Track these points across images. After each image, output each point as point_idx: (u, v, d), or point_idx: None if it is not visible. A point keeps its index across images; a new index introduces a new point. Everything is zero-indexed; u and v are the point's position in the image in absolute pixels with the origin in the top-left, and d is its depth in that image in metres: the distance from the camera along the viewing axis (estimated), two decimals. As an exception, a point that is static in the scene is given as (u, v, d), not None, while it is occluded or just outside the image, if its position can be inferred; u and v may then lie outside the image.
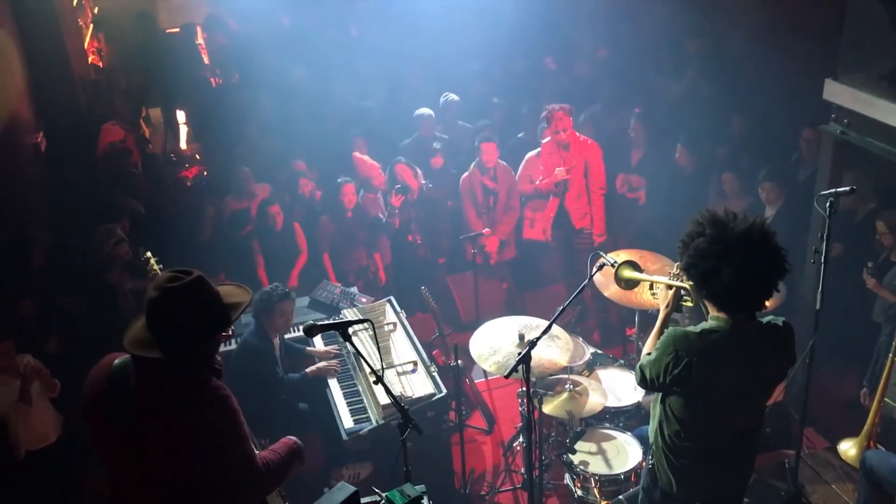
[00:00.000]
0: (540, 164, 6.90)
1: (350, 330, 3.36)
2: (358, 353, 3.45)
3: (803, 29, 6.69)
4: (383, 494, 2.68)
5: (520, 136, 7.95)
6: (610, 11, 9.05)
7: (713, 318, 3.19)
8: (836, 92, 4.93)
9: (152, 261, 4.43)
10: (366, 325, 3.62)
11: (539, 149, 7.09)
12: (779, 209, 6.35)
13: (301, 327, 3.41)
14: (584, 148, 6.81)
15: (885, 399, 4.76)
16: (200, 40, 12.55)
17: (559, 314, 4.04)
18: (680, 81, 8.14)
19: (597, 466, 4.81)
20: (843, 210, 4.94)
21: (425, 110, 7.64)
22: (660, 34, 8.41)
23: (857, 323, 5.85)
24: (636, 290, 4.54)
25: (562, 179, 6.76)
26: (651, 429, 3.54)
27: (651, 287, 3.77)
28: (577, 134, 6.82)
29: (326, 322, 3.38)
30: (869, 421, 4.69)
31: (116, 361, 2.90)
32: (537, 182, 6.95)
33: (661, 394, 3.39)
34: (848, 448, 4.90)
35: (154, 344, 2.77)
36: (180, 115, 10.76)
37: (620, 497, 4.37)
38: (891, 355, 4.81)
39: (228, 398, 2.88)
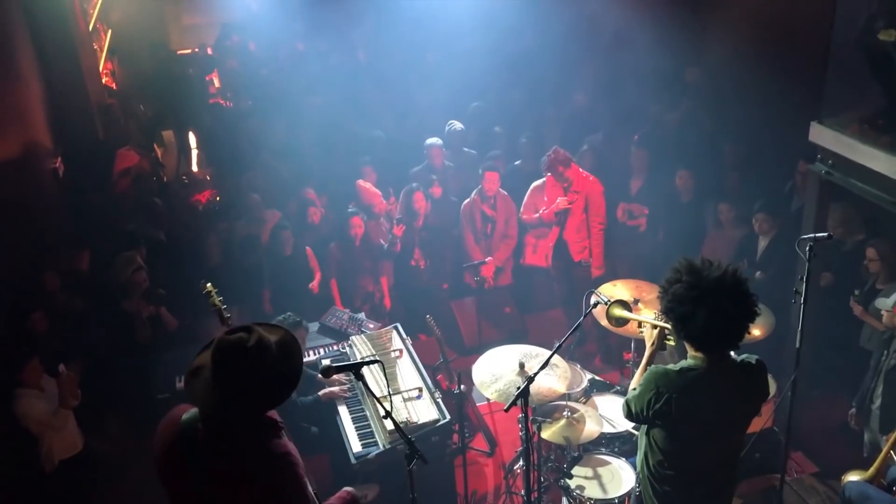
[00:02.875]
0: (545, 195, 7.11)
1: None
2: (370, 391, 3.68)
3: (794, 68, 6.92)
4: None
5: (517, 163, 8.19)
6: (607, 42, 9.32)
7: (692, 356, 3.44)
8: (821, 134, 5.15)
9: (213, 294, 4.32)
10: (377, 364, 3.81)
11: (544, 179, 7.35)
12: (772, 239, 6.57)
13: (319, 369, 3.59)
14: (586, 183, 7.01)
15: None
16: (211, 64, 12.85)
17: (557, 349, 4.27)
18: (677, 110, 8.37)
19: (592, 491, 5.02)
20: (832, 242, 5.15)
21: (435, 140, 7.88)
22: (657, 64, 8.64)
23: (846, 349, 6.03)
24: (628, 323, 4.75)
25: (563, 209, 6.99)
26: (638, 458, 3.78)
27: (639, 325, 4.01)
28: (580, 170, 7.03)
29: (341, 364, 3.61)
30: (880, 458, 4.60)
31: (185, 416, 2.91)
32: (541, 212, 7.17)
33: (645, 426, 3.64)
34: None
35: (222, 405, 2.79)
36: (192, 139, 11.02)
37: (614, 521, 4.61)
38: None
39: (295, 465, 2.89)
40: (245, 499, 2.85)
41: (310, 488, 3.00)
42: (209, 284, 4.35)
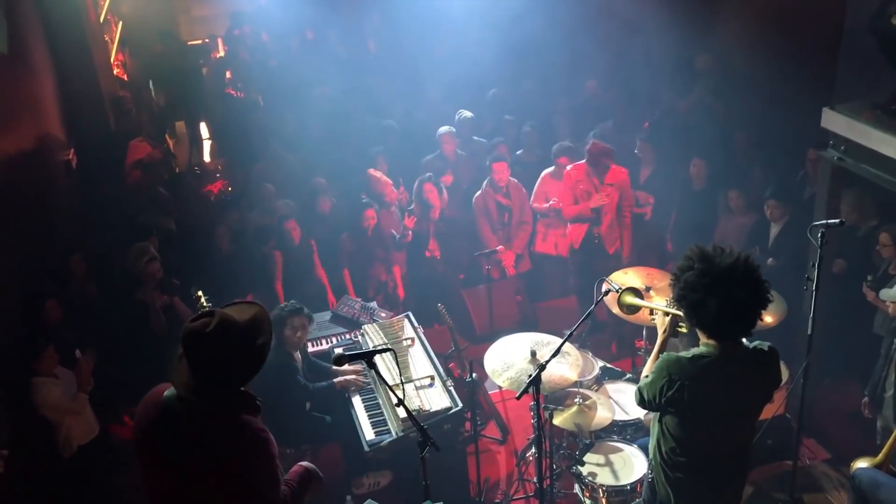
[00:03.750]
0: (572, 185, 7.02)
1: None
2: (383, 380, 3.71)
3: (805, 54, 6.89)
4: (406, 511, 2.92)
5: (518, 153, 8.19)
6: (619, 29, 9.27)
7: (704, 344, 3.45)
8: (833, 120, 5.12)
9: (203, 300, 4.50)
10: (389, 353, 3.85)
11: (553, 167, 7.35)
12: (783, 226, 6.55)
13: (332, 358, 3.63)
14: (620, 175, 6.98)
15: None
16: (221, 53, 12.89)
17: (568, 336, 4.29)
18: (687, 97, 8.35)
19: (604, 478, 5.05)
20: (845, 227, 5.14)
21: (446, 128, 7.90)
22: (669, 51, 8.61)
23: (859, 335, 6.01)
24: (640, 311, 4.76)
25: (599, 205, 6.91)
26: (650, 445, 3.80)
27: (651, 312, 4.02)
28: (613, 165, 6.94)
29: (354, 353, 3.65)
30: (889, 443, 4.61)
31: (167, 393, 3.03)
32: (551, 202, 7.16)
33: (658, 413, 3.65)
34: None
35: (197, 388, 2.92)
36: (203, 130, 11.06)
37: (625, 507, 4.63)
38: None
39: (267, 442, 3.00)
40: (217, 476, 2.94)
41: (280, 469, 3.09)
42: (199, 291, 4.54)
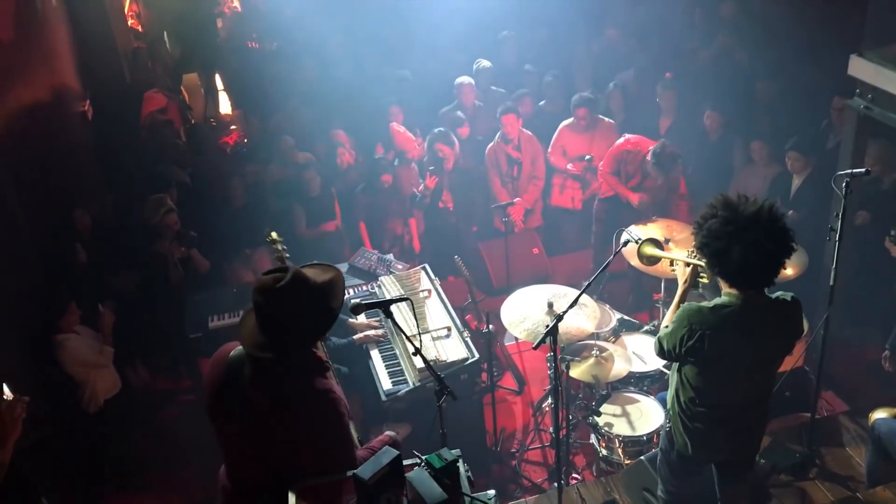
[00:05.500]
0: (620, 156, 6.86)
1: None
2: (399, 329, 3.70)
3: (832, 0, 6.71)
4: (423, 457, 2.92)
5: (541, 104, 8.06)
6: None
7: (726, 293, 3.41)
8: (861, 68, 4.99)
9: (278, 243, 4.38)
10: (406, 303, 3.83)
11: (571, 119, 7.25)
12: (805, 178, 6.45)
13: (349, 306, 3.63)
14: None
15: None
16: (237, 4, 12.71)
17: (586, 288, 4.26)
18: (710, 46, 8.18)
19: (621, 428, 5.07)
20: (869, 179, 5.04)
21: (465, 79, 7.77)
22: (692, -1, 8.42)
23: (880, 288, 5.95)
24: (660, 262, 4.72)
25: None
26: (669, 395, 3.79)
27: (671, 263, 3.98)
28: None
29: (371, 301, 3.63)
30: None
31: (233, 353, 3.00)
32: (570, 166, 7.12)
33: (677, 363, 3.63)
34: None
35: (267, 345, 2.86)
36: (219, 81, 10.97)
37: (642, 457, 4.65)
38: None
39: (338, 402, 2.95)
40: (287, 436, 2.91)
41: (351, 429, 3.05)
42: (274, 234, 4.43)
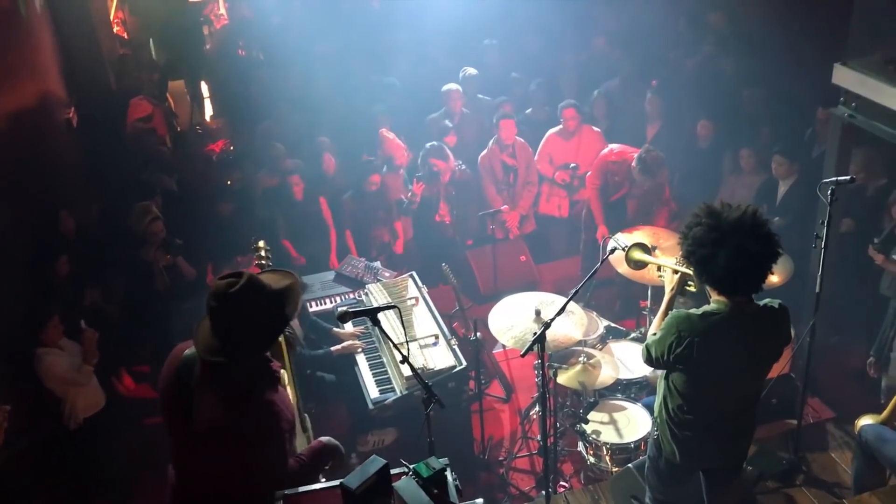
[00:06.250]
0: (605, 167, 6.85)
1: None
2: (387, 336, 3.69)
3: (816, 10, 6.76)
4: (410, 466, 2.91)
5: (527, 112, 8.09)
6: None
7: (714, 301, 3.42)
8: (845, 76, 5.03)
9: (263, 250, 4.35)
10: (393, 310, 3.82)
11: (559, 127, 7.27)
12: (791, 185, 6.49)
13: (335, 314, 3.62)
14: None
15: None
16: (223, 11, 12.70)
17: (573, 295, 4.26)
18: (696, 56, 8.23)
19: (608, 436, 5.07)
20: (853, 187, 5.08)
21: (453, 85, 7.79)
22: (678, 8, 8.46)
23: (866, 296, 5.99)
24: (647, 268, 4.73)
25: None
26: (656, 402, 3.79)
27: (658, 269, 3.99)
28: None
29: (358, 309, 3.62)
30: (894, 401, 4.54)
31: (186, 352, 3.04)
32: (556, 174, 7.15)
33: (665, 370, 3.64)
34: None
35: (218, 349, 2.89)
36: (204, 88, 10.94)
37: (629, 465, 4.65)
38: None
39: (277, 415, 2.97)
40: (224, 440, 2.92)
41: (287, 442, 3.06)
42: (261, 242, 4.41)
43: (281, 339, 3.73)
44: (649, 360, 3.60)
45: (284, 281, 3.07)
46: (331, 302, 6.17)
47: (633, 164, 6.53)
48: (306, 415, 4.10)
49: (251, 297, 2.88)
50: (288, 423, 3.04)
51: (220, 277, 2.96)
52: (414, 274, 6.06)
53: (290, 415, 3.06)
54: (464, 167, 7.43)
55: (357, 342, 5.57)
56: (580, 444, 5.28)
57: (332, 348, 5.53)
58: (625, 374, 5.45)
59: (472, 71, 8.10)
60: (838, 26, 5.75)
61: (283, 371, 3.71)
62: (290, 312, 3.02)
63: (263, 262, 4.29)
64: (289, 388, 3.79)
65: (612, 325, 6.04)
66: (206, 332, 2.93)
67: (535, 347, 4.20)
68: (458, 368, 5.15)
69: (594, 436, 5.06)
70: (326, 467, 3.42)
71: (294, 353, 4.03)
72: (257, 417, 2.94)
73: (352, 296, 6.15)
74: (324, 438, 3.40)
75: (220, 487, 3.02)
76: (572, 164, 7.30)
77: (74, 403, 5.37)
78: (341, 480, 2.83)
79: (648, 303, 5.79)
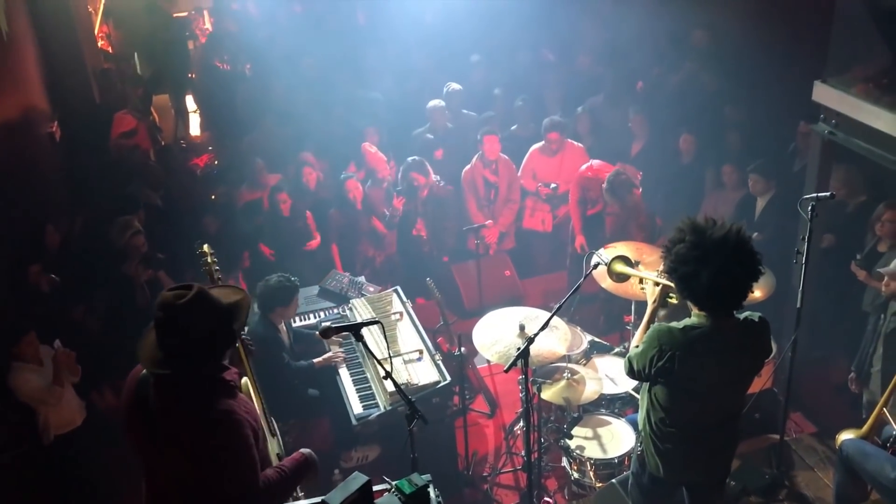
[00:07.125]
0: (584, 183, 6.91)
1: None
2: (371, 353, 3.68)
3: (797, 27, 6.84)
4: (393, 483, 2.89)
5: (513, 128, 8.13)
6: (613, 3, 9.19)
7: (695, 315, 3.44)
8: (824, 94, 5.09)
9: (209, 255, 4.21)
10: (377, 326, 3.80)
11: (542, 143, 7.30)
12: (769, 200, 6.54)
13: (317, 331, 3.61)
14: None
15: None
16: (208, 26, 12.71)
17: (557, 310, 4.26)
18: (679, 72, 8.30)
19: (592, 451, 5.06)
20: (834, 203, 5.12)
21: (437, 102, 7.83)
22: (661, 26, 8.54)
23: (845, 310, 6.02)
24: (629, 282, 4.74)
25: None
26: (640, 416, 3.79)
27: (641, 282, 4.00)
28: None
29: (341, 324, 3.60)
30: (873, 415, 4.58)
31: (143, 373, 2.99)
32: (539, 187, 7.16)
33: (647, 384, 3.65)
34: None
35: (162, 362, 2.85)
36: (190, 103, 10.93)
37: (613, 480, 4.65)
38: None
39: (238, 424, 2.91)
40: (188, 455, 2.89)
41: (254, 451, 3.00)
42: (206, 246, 4.29)
43: (238, 345, 3.72)
44: (631, 372, 3.61)
45: (234, 296, 3.06)
46: (315, 317, 6.16)
47: (604, 184, 6.59)
48: (272, 418, 4.05)
49: (199, 310, 2.85)
50: (251, 428, 2.99)
51: (168, 289, 2.92)
52: (398, 289, 6.06)
53: (252, 420, 3.01)
54: (442, 183, 7.43)
55: (339, 354, 5.55)
56: (564, 459, 5.27)
57: (315, 360, 5.51)
58: (609, 389, 5.45)
59: (455, 86, 8.15)
60: (819, 44, 5.82)
61: (244, 378, 3.70)
62: (237, 328, 3.01)
63: (208, 266, 4.17)
64: (252, 393, 3.76)
65: (597, 340, 6.05)
66: (152, 344, 2.89)
67: (519, 363, 4.20)
68: (442, 384, 5.14)
69: (578, 451, 5.05)
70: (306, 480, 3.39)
71: (252, 359, 3.98)
72: (218, 426, 2.89)
73: (336, 311, 6.14)
74: (304, 451, 3.37)
75: (190, 501, 2.99)
76: (553, 185, 7.33)
77: (47, 419, 5.28)
78: (322, 497, 2.81)
79: (632, 318, 5.81)
